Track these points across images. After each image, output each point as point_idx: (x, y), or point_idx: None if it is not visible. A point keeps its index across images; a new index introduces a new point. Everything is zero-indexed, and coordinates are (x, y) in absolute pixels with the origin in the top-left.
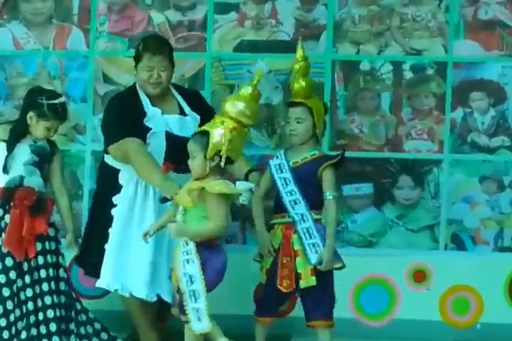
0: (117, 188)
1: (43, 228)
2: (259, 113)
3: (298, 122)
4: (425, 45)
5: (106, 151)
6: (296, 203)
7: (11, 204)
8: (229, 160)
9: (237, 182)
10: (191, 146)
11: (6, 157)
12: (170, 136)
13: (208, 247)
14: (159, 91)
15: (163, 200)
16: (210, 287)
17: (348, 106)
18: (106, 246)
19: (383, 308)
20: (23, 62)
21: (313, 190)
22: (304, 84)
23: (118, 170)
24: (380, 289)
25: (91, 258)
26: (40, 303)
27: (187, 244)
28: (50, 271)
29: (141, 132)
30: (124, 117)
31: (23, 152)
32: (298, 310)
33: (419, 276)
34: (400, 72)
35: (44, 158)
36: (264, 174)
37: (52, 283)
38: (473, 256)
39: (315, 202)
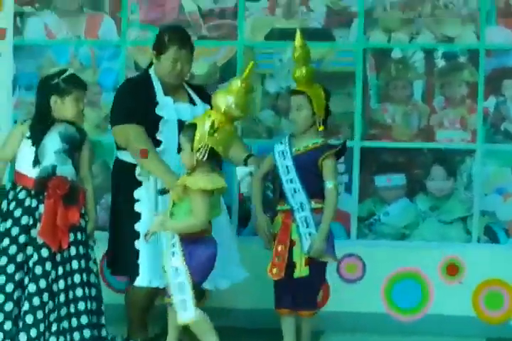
0: (136, 183)
1: (76, 218)
2: (251, 105)
3: (297, 110)
4: (457, 32)
5: (118, 147)
6: (295, 191)
7: (45, 194)
8: (215, 155)
9: (237, 168)
10: (180, 139)
11: (36, 151)
12: (182, 124)
13: (193, 240)
14: (180, 81)
15: (162, 192)
16: (196, 279)
17: (380, 96)
18: (136, 243)
19: (416, 303)
20: (55, 51)
21: (314, 179)
22: (304, 71)
23: (134, 165)
24: (413, 283)
25: (123, 257)
26: (71, 295)
27: (173, 236)
28: (82, 262)
29: (153, 120)
30: (133, 102)
31: (53, 141)
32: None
33: (452, 270)
34: (431, 60)
35: (74, 146)
36: (268, 157)
37: (84, 275)
38: (507, 249)
39: (315, 190)
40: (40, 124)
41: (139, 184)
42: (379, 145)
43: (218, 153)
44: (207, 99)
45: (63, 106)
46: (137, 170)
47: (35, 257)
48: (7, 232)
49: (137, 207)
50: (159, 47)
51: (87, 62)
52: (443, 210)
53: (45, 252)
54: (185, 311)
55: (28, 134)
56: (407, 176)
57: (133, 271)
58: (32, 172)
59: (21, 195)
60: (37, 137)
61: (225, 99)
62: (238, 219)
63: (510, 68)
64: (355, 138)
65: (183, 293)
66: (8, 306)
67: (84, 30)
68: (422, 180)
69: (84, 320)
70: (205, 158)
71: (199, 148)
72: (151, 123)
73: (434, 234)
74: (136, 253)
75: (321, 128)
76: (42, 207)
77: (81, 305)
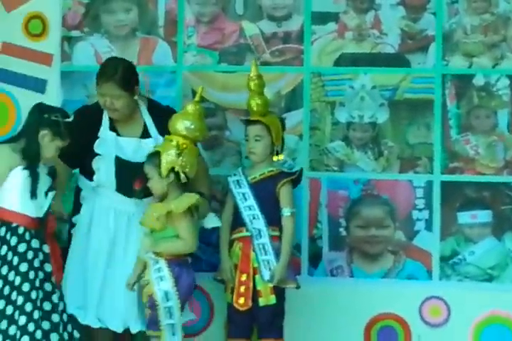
0: (78, 208)
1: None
2: (206, 128)
3: (256, 140)
4: None
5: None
6: (254, 218)
7: (44, 233)
8: (185, 177)
9: (205, 220)
10: (146, 168)
11: (32, 183)
12: (120, 161)
13: (178, 263)
14: (118, 116)
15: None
16: (183, 301)
17: (461, 126)
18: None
19: None
20: None
21: (271, 206)
22: (259, 101)
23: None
24: (504, 329)
25: None
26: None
27: (157, 262)
28: None
29: (92, 156)
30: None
31: (43, 178)
32: None
33: None
34: None
35: (54, 179)
36: (228, 196)
37: None
38: None
39: (272, 218)
40: (31, 151)
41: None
42: (462, 179)
43: (187, 174)
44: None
45: (47, 146)
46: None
47: (55, 299)
48: (26, 276)
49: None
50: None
51: (141, 89)
52: None
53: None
54: (173, 335)
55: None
56: (494, 212)
57: None
58: (32, 212)
59: (27, 236)
60: (32, 167)
61: (183, 122)
62: (308, 259)
63: None
64: (435, 172)
65: (172, 317)
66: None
67: (138, 55)
68: (511, 216)
69: None
70: (182, 180)
71: (168, 173)
72: (90, 159)
73: None
74: None
75: (280, 157)
76: (45, 247)
77: None
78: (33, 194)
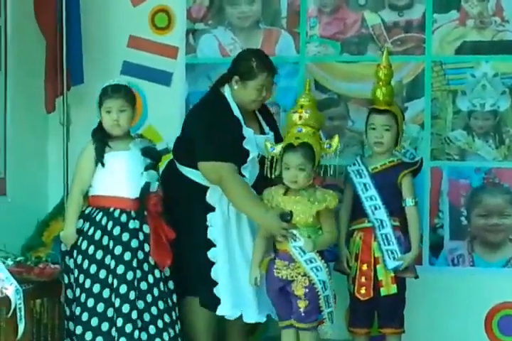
0: (208, 208)
1: (173, 233)
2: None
3: (386, 130)
4: None
5: (190, 165)
6: (376, 208)
7: (145, 213)
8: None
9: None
10: (299, 160)
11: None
12: (261, 160)
13: (324, 254)
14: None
15: (285, 217)
16: None
17: None
18: (214, 272)
19: None
20: None
21: (392, 196)
22: (386, 91)
23: (206, 188)
24: None
25: (203, 288)
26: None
27: (304, 253)
28: (168, 284)
29: (241, 156)
30: (225, 137)
31: (137, 157)
32: None
33: None
34: None
35: (156, 160)
36: (346, 186)
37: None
38: None
39: (393, 208)
40: (97, 134)
41: (210, 209)
42: None
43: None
44: (272, 121)
45: (103, 119)
46: (208, 194)
47: (151, 279)
48: (120, 259)
49: (210, 234)
50: (247, 73)
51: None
52: None
53: (157, 273)
54: (332, 323)
55: (104, 155)
56: None
57: (208, 299)
58: (128, 193)
59: (123, 218)
60: (99, 153)
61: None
62: (429, 248)
63: None
64: None
65: (330, 305)
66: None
67: (261, 46)
68: None
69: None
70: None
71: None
72: (238, 158)
73: None
74: (211, 281)
75: (399, 148)
76: (145, 227)
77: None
78: (102, 164)
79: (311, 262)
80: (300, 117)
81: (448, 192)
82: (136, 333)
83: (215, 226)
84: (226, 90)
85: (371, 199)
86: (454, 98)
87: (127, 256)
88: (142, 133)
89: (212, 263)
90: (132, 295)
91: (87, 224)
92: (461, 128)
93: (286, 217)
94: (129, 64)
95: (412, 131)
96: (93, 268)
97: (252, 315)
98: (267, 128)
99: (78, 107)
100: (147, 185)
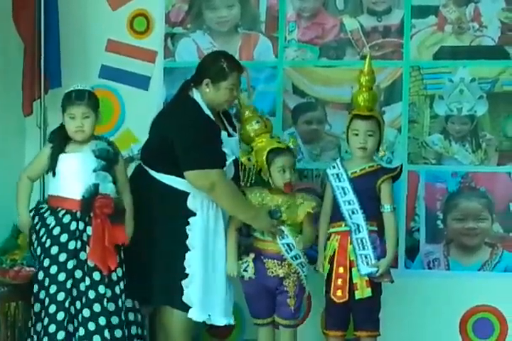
0: (188, 214)
1: (124, 237)
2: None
3: (369, 135)
4: None
5: (168, 172)
6: (353, 213)
7: (91, 215)
8: None
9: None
10: (291, 161)
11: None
12: (235, 162)
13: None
14: (228, 107)
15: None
16: None
17: None
18: (188, 276)
19: None
20: None
21: (370, 201)
22: (369, 96)
23: (186, 193)
24: None
25: (176, 291)
26: (124, 319)
27: (291, 250)
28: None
29: (224, 160)
30: (211, 141)
31: (89, 159)
32: None
33: None
34: None
35: (111, 161)
36: (326, 189)
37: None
38: None
39: (371, 213)
40: (55, 136)
41: (189, 215)
42: None
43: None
44: (232, 122)
45: (66, 124)
46: (189, 199)
47: (88, 281)
48: (55, 259)
49: (189, 238)
50: (218, 75)
51: (242, 84)
52: None
53: (97, 275)
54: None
55: (59, 155)
56: None
57: (181, 302)
58: (75, 194)
59: (66, 219)
60: (52, 155)
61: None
62: (405, 251)
63: None
64: None
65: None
66: (60, 335)
67: (239, 50)
68: None
69: None
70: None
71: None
72: (223, 162)
73: None
74: (182, 285)
75: (383, 154)
76: (89, 229)
77: (133, 330)
78: (53, 173)
79: (297, 258)
80: (266, 126)
81: (424, 195)
82: (61, 334)
83: (194, 231)
84: (195, 94)
85: (349, 203)
86: (432, 103)
87: (62, 257)
88: (102, 136)
89: (185, 268)
90: (61, 296)
91: (39, 221)
92: (438, 133)
93: (276, 214)
94: (107, 68)
95: (390, 135)
96: (36, 264)
97: (221, 318)
98: (230, 130)
99: (55, 110)
100: (94, 186)
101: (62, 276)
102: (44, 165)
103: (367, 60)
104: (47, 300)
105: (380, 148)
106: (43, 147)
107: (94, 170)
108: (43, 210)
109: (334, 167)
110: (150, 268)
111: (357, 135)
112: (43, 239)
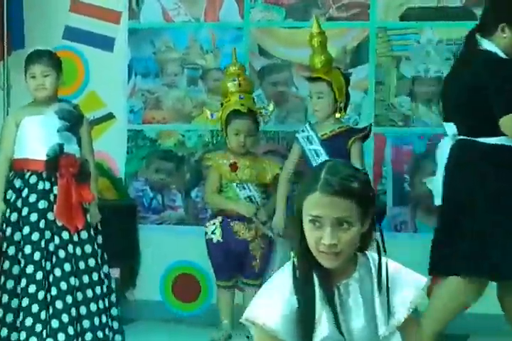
0: None
1: (91, 196)
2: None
3: (319, 97)
4: None
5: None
6: None
7: (57, 174)
8: None
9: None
10: (250, 126)
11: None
12: None
13: None
14: None
15: None
16: None
17: None
18: None
19: None
20: (173, 35)
21: None
22: (322, 58)
23: None
24: None
25: None
26: (89, 279)
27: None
28: (95, 246)
29: None
30: None
31: (52, 120)
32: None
33: None
34: None
35: (76, 123)
36: (292, 152)
37: (98, 259)
38: None
39: None
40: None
41: None
42: None
43: None
44: None
45: (28, 84)
46: None
47: (57, 241)
48: (26, 220)
49: None
50: None
51: (207, 46)
52: None
53: (65, 235)
54: None
55: (22, 120)
56: None
57: None
58: (40, 155)
59: (32, 180)
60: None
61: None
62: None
63: None
64: None
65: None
66: (41, 294)
67: (204, 11)
68: None
69: (101, 305)
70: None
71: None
72: None
73: None
74: None
75: (342, 115)
76: (56, 189)
77: (97, 290)
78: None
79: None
80: (240, 85)
81: (391, 158)
82: (41, 294)
83: None
84: (484, 43)
85: None
86: (398, 64)
87: (33, 217)
88: (66, 99)
89: None
90: (37, 255)
91: (9, 191)
92: (405, 95)
93: None
94: (70, 29)
95: (356, 97)
96: (8, 231)
97: None
98: None
99: (19, 72)
100: (59, 146)
101: (35, 236)
102: (13, 135)
103: (314, 21)
104: (23, 261)
105: (337, 110)
106: (5, 118)
107: (58, 131)
108: (10, 177)
109: (303, 131)
110: None
111: (311, 97)
112: (16, 203)
